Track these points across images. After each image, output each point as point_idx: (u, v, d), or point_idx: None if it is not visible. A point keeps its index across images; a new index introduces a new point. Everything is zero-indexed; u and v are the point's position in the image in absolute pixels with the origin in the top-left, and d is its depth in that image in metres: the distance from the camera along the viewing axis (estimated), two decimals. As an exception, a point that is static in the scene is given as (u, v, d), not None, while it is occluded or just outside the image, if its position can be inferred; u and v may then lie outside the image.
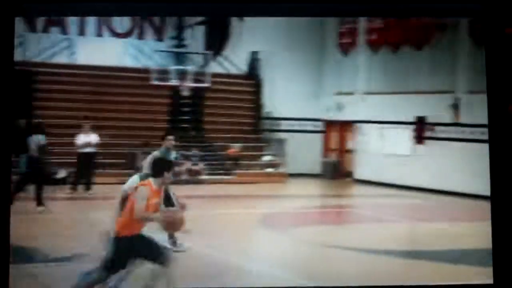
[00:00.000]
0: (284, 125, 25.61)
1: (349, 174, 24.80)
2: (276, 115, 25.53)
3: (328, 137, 25.98)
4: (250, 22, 22.30)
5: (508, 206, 8.37)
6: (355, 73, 24.77)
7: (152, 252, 8.54)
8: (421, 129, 21.87)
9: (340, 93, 25.27)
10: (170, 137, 12.96)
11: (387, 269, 11.32)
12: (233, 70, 25.02)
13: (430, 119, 21.90)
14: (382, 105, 23.14)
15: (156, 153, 12.17)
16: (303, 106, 25.60)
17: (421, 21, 22.44)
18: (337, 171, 25.04)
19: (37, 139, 16.03)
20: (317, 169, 25.36)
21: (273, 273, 10.78)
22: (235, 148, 23.43)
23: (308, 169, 25.01)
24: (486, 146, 19.96)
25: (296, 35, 25.15)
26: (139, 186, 8.69)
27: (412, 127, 22.31)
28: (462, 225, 15.52)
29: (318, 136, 25.87)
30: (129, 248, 8.45)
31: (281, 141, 25.43)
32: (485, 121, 21.42)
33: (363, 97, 24.37)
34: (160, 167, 8.78)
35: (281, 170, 23.86)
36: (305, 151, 25.34)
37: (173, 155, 12.83)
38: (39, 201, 15.40)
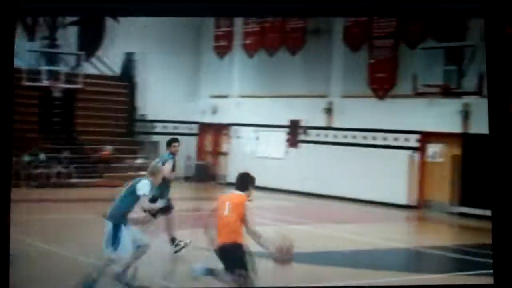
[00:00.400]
0: (159, 127, 25.26)
1: (222, 177, 24.72)
2: (150, 117, 25.14)
3: (203, 140, 25.83)
4: (125, 22, 21.79)
5: (508, 207, 8.34)
6: (231, 77, 24.74)
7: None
8: (295, 133, 22.04)
9: (215, 96, 25.18)
10: (176, 143, 13.56)
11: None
12: (107, 72, 24.40)
13: (304, 123, 22.11)
14: (257, 109, 23.21)
15: (157, 160, 12.88)
16: (178, 108, 25.34)
17: (297, 25, 22.68)
18: (208, 174, 24.95)
19: None
20: (191, 171, 25.18)
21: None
22: (107, 151, 22.83)
23: (183, 172, 24.76)
24: (358, 149, 20.33)
25: (172, 37, 24.86)
26: (247, 202, 9.77)
27: (286, 130, 22.46)
28: (330, 227, 15.69)
29: (193, 139, 25.66)
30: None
31: (154, 144, 25.07)
32: (357, 125, 21.87)
33: (238, 100, 24.38)
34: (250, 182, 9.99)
35: (154, 173, 23.41)
36: (179, 153, 25.02)
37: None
38: None
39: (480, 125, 18.43)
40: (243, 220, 9.64)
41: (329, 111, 21.68)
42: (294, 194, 20.59)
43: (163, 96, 24.88)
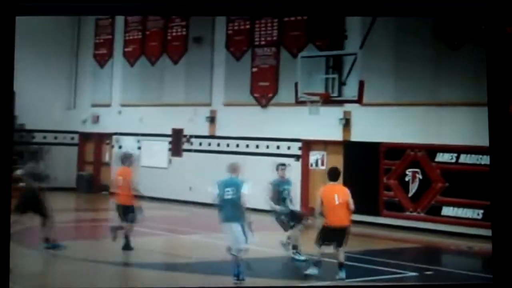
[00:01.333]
0: (38, 137, 24.54)
1: (105, 188, 24.25)
2: (29, 127, 24.37)
3: (84, 150, 25.28)
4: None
5: (508, 208, 8.26)
6: (112, 85, 24.36)
7: None
8: (178, 142, 21.87)
9: (96, 105, 24.71)
10: (283, 166, 14.56)
11: (146, 282, 11.11)
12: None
13: (187, 132, 21.97)
14: (139, 117, 22.88)
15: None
16: (58, 117, 24.72)
17: (178, 33, 22.56)
18: (91, 184, 24.47)
19: None
20: (72, 182, 24.61)
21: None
22: (-17, 162, 21.90)
23: (63, 183, 24.16)
24: (242, 158, 20.27)
25: (50, 44, 24.26)
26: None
27: (169, 139, 22.26)
28: (215, 236, 15.60)
29: (74, 149, 25.08)
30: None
31: (34, 154, 24.32)
32: (240, 133, 21.91)
33: (120, 109, 23.99)
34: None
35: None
36: (60, 164, 24.47)
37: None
38: None
39: (359, 133, 18.90)
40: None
41: (212, 119, 21.63)
42: (181, 204, 20.37)
43: (42, 105, 24.19)
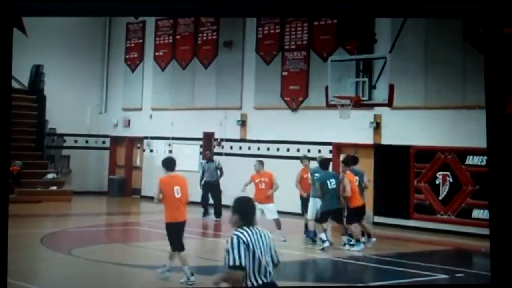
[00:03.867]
0: (69, 141, 24.85)
1: (136, 191, 24.49)
2: (60, 131, 24.68)
3: (115, 153, 25.54)
4: (33, 34, 21.26)
5: (506, 208, 8.33)
6: (143, 89, 24.59)
7: None
8: (209, 145, 22.03)
9: (127, 109, 24.96)
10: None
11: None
12: (15, 85, 23.82)
13: (218, 135, 22.13)
14: (170, 121, 23.07)
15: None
16: (90, 121, 25.04)
17: (209, 37, 22.72)
18: (123, 188, 24.70)
19: None
20: (104, 186, 24.86)
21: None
22: (16, 166, 22.21)
23: (94, 187, 24.47)
24: (273, 161, 20.38)
25: (81, 49, 24.57)
26: None
27: (200, 143, 22.43)
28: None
29: (105, 153, 25.36)
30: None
31: (65, 158, 24.65)
32: (268, 137, 22.02)
33: (151, 113, 24.21)
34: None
35: (65, 188, 23.03)
36: (91, 168, 24.78)
37: None
38: None
39: (390, 136, 18.94)
40: None
41: (243, 123, 21.77)
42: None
43: (73, 109, 24.50)
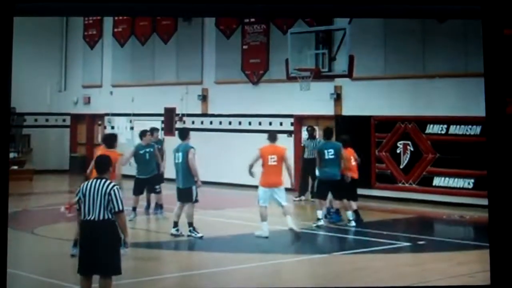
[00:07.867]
0: (29, 120, 24.56)
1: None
2: (20, 110, 24.35)
3: (76, 131, 25.33)
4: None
5: (506, 206, 8.33)
6: (102, 66, 24.36)
7: None
8: (171, 120, 21.95)
9: (87, 86, 24.74)
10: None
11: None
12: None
13: (179, 110, 22.06)
14: (131, 97, 22.92)
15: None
16: (49, 100, 24.76)
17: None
18: (85, 166, 24.49)
19: None
20: (65, 164, 24.67)
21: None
22: (-24, 146, 21.94)
23: (56, 165, 24.25)
24: (235, 135, 20.36)
25: (39, 26, 24.18)
26: None
27: (161, 118, 22.34)
28: (214, 213, 15.72)
29: (66, 131, 25.12)
30: None
31: (25, 137, 24.39)
32: (230, 111, 21.98)
33: (111, 90, 24.03)
34: None
35: (26, 167, 22.82)
36: (52, 146, 24.55)
37: None
38: None
39: (351, 107, 19.05)
40: None
41: (204, 97, 21.72)
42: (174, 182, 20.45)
43: (32, 88, 24.19)
